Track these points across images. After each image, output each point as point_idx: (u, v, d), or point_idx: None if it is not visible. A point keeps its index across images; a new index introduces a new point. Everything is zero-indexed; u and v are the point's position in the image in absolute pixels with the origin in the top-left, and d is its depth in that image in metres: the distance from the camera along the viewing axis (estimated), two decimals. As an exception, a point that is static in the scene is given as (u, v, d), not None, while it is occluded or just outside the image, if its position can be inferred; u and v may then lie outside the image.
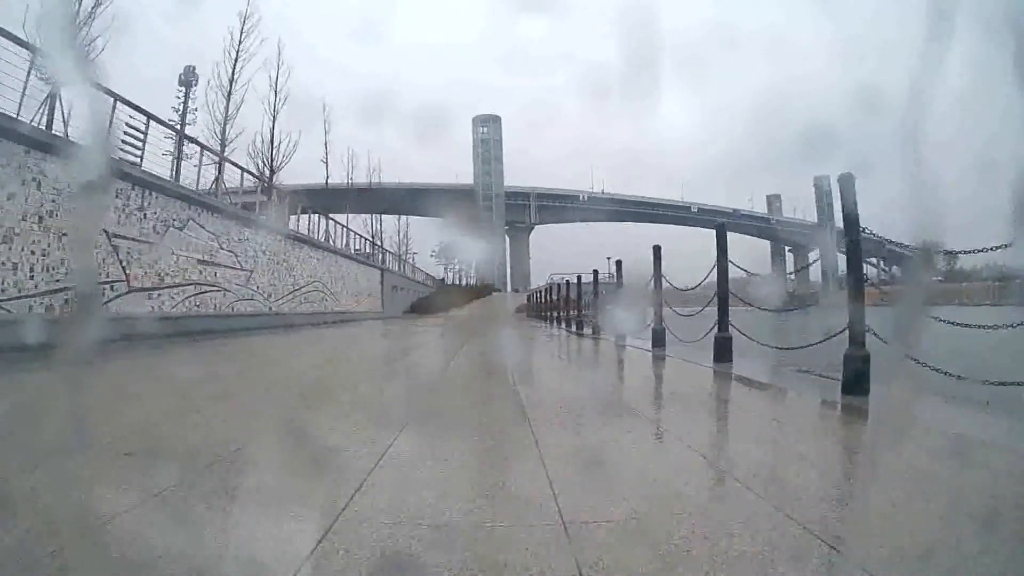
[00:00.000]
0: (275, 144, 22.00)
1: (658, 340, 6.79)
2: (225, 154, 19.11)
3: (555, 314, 17.02)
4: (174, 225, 11.63)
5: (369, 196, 39.34)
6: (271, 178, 21.58)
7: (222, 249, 13.02)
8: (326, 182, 28.15)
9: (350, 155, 35.69)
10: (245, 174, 19.36)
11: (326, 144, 28.66)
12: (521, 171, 75.19)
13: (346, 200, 33.26)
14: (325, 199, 27.13)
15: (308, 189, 28.87)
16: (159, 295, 11.17)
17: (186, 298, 11.81)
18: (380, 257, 33.31)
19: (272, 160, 21.73)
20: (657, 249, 6.87)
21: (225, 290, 13.05)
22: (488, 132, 79.19)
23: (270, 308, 14.74)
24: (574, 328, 11.35)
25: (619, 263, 8.25)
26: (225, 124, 19.84)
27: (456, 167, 72.83)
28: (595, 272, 9.79)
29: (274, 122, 22.42)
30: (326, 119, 29.22)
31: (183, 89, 30.22)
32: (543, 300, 20.91)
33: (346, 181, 34.27)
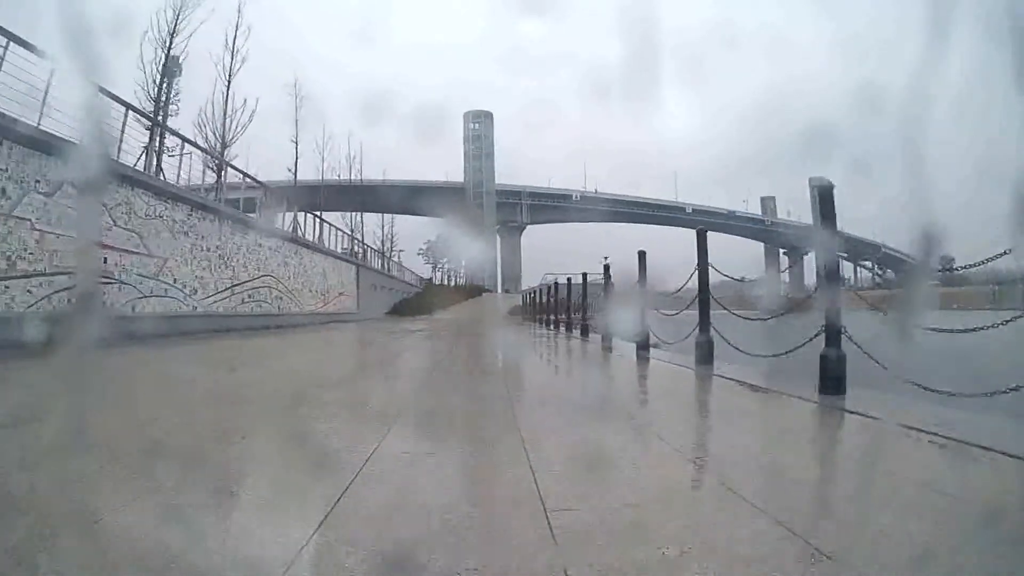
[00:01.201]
0: (228, 114, 18.47)
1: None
2: (159, 118, 15.58)
3: (557, 317, 13.86)
4: (37, 189, 8.18)
5: (352, 192, 35.67)
6: (223, 152, 18.04)
7: (116, 226, 9.52)
8: (295, 163, 24.47)
9: (324, 138, 31.27)
10: (200, 155, 15.96)
11: (296, 123, 25.00)
12: (517, 172, 72.48)
13: (325, 194, 29.60)
14: (301, 195, 23.50)
15: (280, 186, 25.08)
16: (6, 287, 7.71)
17: (54, 292, 8.32)
18: (360, 252, 29.81)
19: (224, 131, 18.17)
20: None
21: (121, 283, 9.54)
22: (480, 128, 76.45)
23: (194, 308, 11.22)
24: (604, 341, 8.05)
25: (706, 249, 5.10)
26: (161, 83, 16.26)
27: (451, 167, 69.83)
28: (642, 256, 6.48)
29: (228, 87, 18.91)
30: (297, 90, 25.52)
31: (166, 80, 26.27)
32: (543, 301, 17.80)
33: (322, 169, 30.43)
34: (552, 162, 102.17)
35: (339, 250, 22.99)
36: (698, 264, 5.19)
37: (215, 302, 11.95)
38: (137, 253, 9.89)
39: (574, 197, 75.34)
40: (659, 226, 69.76)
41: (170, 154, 13.91)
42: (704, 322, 5.01)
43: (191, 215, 11.25)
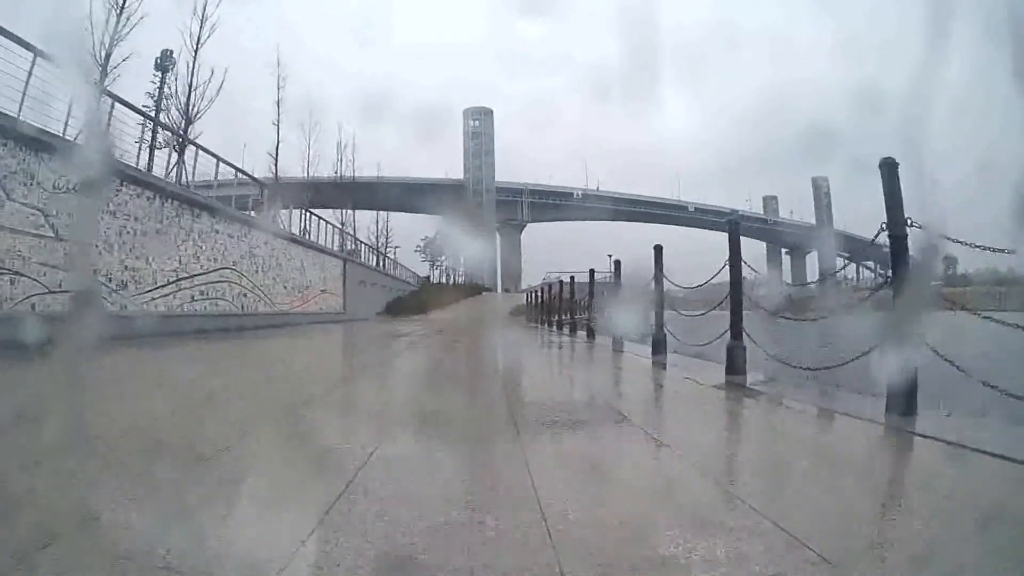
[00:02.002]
0: (193, 87, 16.30)
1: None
2: (108, 87, 13.38)
3: (573, 318, 11.73)
4: None
5: (344, 189, 33.25)
6: (186, 129, 15.87)
7: (10, 200, 7.35)
8: (276, 148, 22.26)
9: (310, 123, 27.67)
10: (164, 134, 13.91)
11: (278, 103, 22.76)
12: (518, 171, 70.07)
13: (311, 181, 27.23)
14: (289, 192, 21.22)
15: (266, 178, 22.66)
16: None
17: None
18: (352, 246, 27.64)
19: (188, 106, 15.99)
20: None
21: (15, 274, 7.36)
22: (480, 125, 74.34)
23: (123, 307, 9.02)
24: (655, 356, 5.84)
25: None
26: (112, 45, 14.05)
27: (451, 165, 67.49)
28: (733, 228, 4.26)
29: (195, 57, 16.75)
30: (280, 69, 23.29)
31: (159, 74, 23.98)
32: (551, 300, 15.75)
33: (308, 156, 27.89)
34: (553, 162, 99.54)
35: (328, 245, 20.80)
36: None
37: (153, 299, 9.74)
38: (39, 236, 7.70)
39: (575, 195, 73.47)
40: (661, 225, 67.76)
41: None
42: (912, 324, 2.59)
43: (120, 190, 9.06)
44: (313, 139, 28.73)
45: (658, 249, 5.54)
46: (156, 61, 27.01)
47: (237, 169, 13.93)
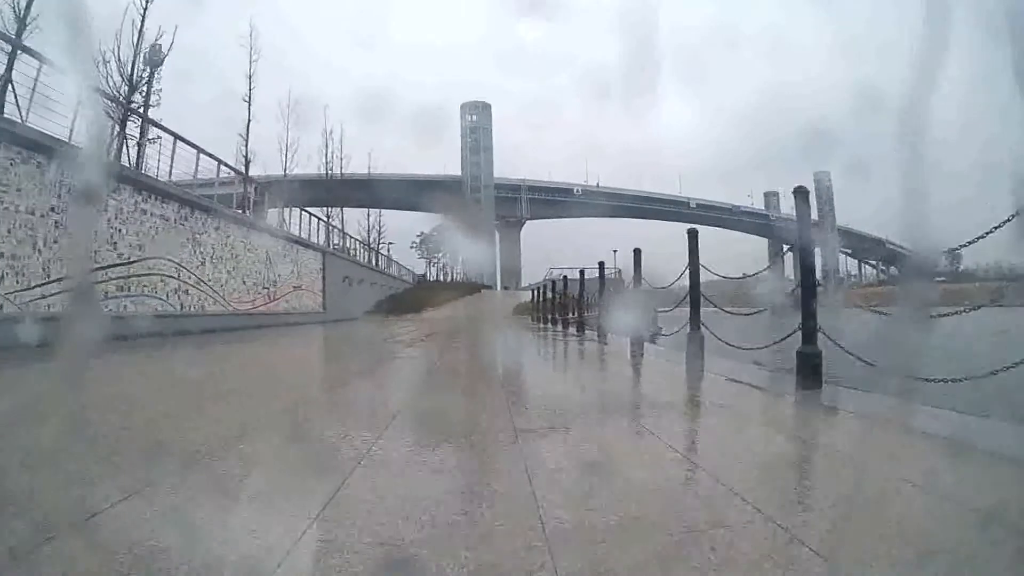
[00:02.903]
0: (138, 51, 14.05)
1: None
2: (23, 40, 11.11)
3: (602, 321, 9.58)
4: None
5: (338, 187, 30.85)
6: (129, 97, 13.62)
7: None
8: (247, 127, 19.95)
9: (290, 101, 24.63)
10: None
11: (250, 76, 20.47)
12: (517, 171, 68.45)
13: (303, 188, 24.64)
14: (277, 191, 18.91)
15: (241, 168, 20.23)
16: None
17: None
18: (338, 239, 25.37)
19: (133, 70, 13.74)
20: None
21: None
22: (477, 120, 72.31)
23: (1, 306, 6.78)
24: (803, 390, 3.49)
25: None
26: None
27: (450, 164, 65.68)
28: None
29: (144, 17, 14.50)
30: (252, 41, 20.96)
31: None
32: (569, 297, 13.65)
33: (287, 135, 25.14)
34: (553, 161, 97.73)
35: (307, 237, 18.54)
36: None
37: (44, 297, 7.49)
38: None
39: (575, 191, 71.62)
40: (662, 221, 65.80)
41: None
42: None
43: (-11, 153, 6.81)
44: (306, 136, 26.45)
45: (803, 192, 3.21)
46: (144, 56, 24.74)
47: (183, 140, 11.62)
